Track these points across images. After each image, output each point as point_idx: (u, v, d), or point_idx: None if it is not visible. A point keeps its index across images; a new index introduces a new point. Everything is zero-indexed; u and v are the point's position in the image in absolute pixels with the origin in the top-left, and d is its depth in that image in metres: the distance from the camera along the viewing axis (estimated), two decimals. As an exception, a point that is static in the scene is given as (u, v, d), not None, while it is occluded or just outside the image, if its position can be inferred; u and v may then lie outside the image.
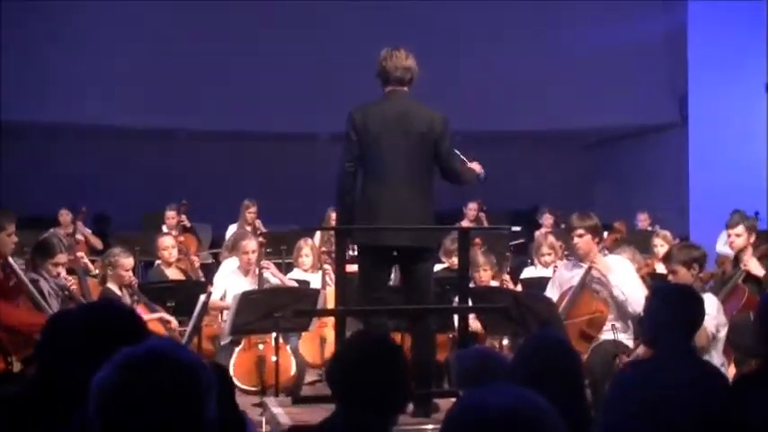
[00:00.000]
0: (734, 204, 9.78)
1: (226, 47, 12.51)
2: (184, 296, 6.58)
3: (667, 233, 8.90)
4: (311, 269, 7.94)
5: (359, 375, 2.68)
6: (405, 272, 5.42)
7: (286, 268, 8.40)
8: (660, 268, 7.29)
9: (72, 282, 6.03)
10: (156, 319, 6.16)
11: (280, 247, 8.90)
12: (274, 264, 8.19)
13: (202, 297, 6.33)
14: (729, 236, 6.76)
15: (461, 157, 5.35)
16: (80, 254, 7.18)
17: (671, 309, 3.39)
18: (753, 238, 6.70)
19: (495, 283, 7.15)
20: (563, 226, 10.26)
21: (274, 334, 6.33)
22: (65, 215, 11.11)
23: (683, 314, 3.42)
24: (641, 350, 5.57)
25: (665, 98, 13.59)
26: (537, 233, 10.30)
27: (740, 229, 6.63)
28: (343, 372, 2.74)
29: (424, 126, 5.15)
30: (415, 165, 5.16)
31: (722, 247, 8.53)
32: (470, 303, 5.58)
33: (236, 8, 12.47)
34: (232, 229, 10.18)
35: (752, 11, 12.84)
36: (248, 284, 7.12)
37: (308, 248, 8.00)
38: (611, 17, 12.97)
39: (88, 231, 11.27)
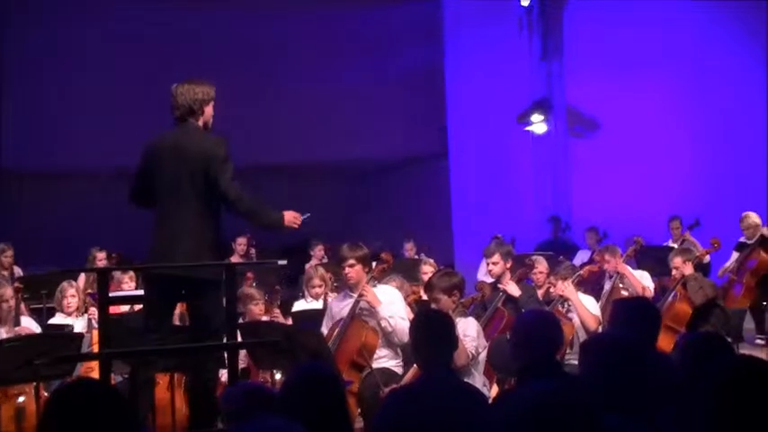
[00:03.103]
0: (494, 231, 10.29)
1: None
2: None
3: (432, 261, 9.20)
4: (77, 312, 7.61)
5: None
6: (187, 306, 5.37)
7: (48, 313, 8.00)
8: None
9: None
10: None
11: (40, 292, 8.46)
12: (35, 309, 7.80)
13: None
14: (488, 264, 7.06)
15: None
16: None
17: (428, 334, 3.56)
18: (510, 263, 7.03)
19: (265, 318, 7.13)
20: (326, 260, 10.39)
21: (35, 383, 6.02)
22: None
23: (437, 338, 3.61)
24: (409, 375, 5.72)
25: (429, 130, 14.04)
26: (307, 266, 10.36)
27: (496, 257, 6.97)
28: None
29: (195, 158, 5.07)
30: (188, 196, 5.07)
31: (483, 276, 8.89)
32: (241, 339, 5.53)
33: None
34: (-13, 276, 9.62)
35: (507, 46, 13.58)
36: (4, 334, 6.73)
37: (72, 290, 7.68)
38: (375, 51, 13.29)
39: None
